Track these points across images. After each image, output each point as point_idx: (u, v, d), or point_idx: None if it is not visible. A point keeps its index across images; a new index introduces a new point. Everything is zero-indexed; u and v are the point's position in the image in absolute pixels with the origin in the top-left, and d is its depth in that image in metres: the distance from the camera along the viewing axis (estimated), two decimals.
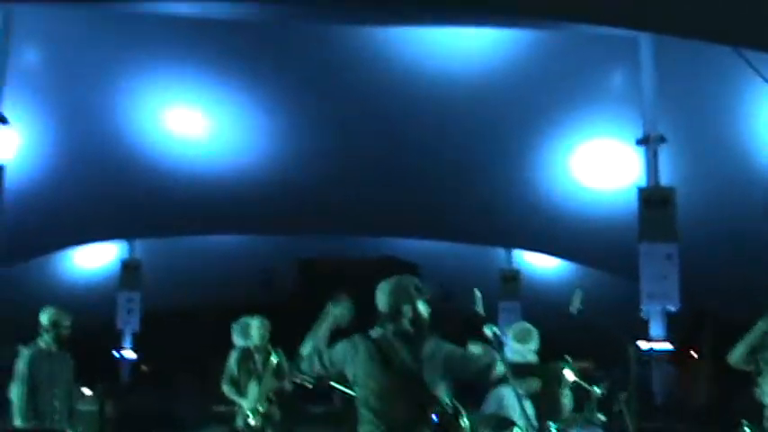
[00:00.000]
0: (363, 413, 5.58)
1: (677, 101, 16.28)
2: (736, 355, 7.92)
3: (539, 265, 23.21)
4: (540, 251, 22.48)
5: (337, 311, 6.00)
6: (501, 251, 23.68)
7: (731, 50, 14.79)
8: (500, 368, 5.77)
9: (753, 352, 7.85)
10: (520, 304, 22.19)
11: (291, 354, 11.42)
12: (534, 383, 8.89)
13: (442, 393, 5.53)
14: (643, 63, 16.12)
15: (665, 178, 16.65)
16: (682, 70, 16.07)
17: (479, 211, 18.87)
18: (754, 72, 15.34)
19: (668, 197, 16.19)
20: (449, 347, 5.72)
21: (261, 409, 10.18)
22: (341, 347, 5.70)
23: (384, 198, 18.70)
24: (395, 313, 5.61)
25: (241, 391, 10.28)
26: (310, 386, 7.06)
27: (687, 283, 16.07)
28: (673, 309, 16.21)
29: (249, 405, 10.18)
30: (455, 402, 5.58)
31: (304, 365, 5.83)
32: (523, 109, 16.78)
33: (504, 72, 16.44)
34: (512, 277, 23.25)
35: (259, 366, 10.34)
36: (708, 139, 16.65)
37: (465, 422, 5.51)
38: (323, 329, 5.88)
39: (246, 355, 10.42)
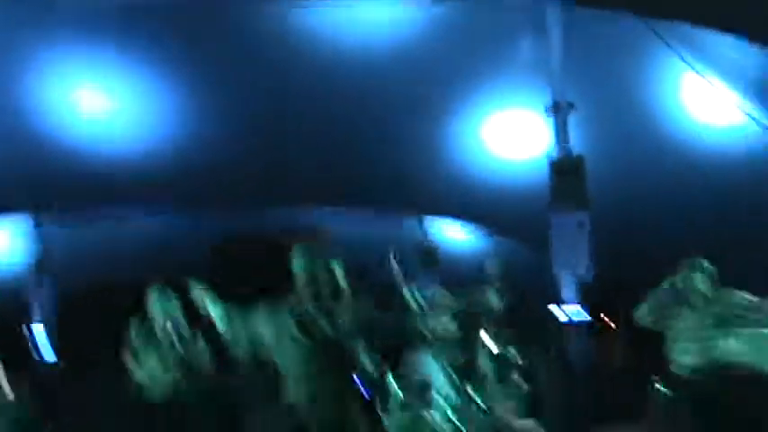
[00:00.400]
0: (289, 384, 5.46)
1: (585, 69, 16.38)
2: (643, 312, 8.01)
3: (452, 234, 23.26)
4: (453, 218, 22.55)
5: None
6: (413, 221, 23.65)
7: (638, 17, 14.96)
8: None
9: (659, 309, 7.91)
10: (434, 273, 22.17)
11: None
12: (457, 353, 8.88)
13: (366, 358, 5.44)
14: (550, 31, 16.18)
15: (575, 147, 16.77)
16: (589, 38, 16.18)
17: (391, 179, 18.82)
18: (660, 39, 15.55)
19: (578, 165, 16.29)
20: (364, 310, 5.60)
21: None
22: (258, 315, 5.56)
23: (296, 169, 18.58)
24: (312, 281, 5.48)
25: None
26: None
27: (600, 252, 16.21)
28: (585, 277, 16.35)
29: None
30: (380, 365, 5.49)
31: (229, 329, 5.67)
32: (434, 80, 16.77)
33: (414, 43, 16.41)
34: (426, 246, 23.22)
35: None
36: (617, 107, 16.81)
37: (392, 385, 5.44)
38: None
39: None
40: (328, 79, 16.49)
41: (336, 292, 5.50)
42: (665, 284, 7.94)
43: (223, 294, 6.05)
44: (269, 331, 5.46)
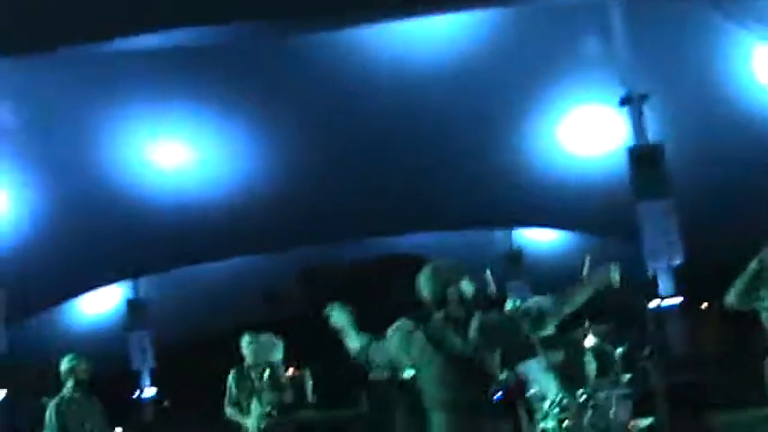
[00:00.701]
0: (428, 400, 5.57)
1: (654, 58, 16.37)
2: (732, 296, 7.93)
3: (540, 240, 23.26)
4: (540, 226, 22.53)
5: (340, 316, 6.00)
6: (501, 232, 23.74)
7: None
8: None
9: (749, 292, 7.84)
10: (527, 282, 22.27)
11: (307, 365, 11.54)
12: (558, 355, 8.98)
13: (499, 370, 5.50)
14: (615, 25, 16.21)
15: (652, 136, 16.78)
16: (653, 26, 16.17)
17: (473, 195, 18.89)
18: (725, 17, 15.49)
19: (658, 154, 16.29)
20: (489, 316, 5.64)
21: (263, 426, 9.94)
22: (394, 341, 5.66)
23: (378, 198, 18.72)
24: (441, 299, 5.57)
25: (243, 412, 10.08)
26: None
27: (688, 237, 16.15)
28: (677, 263, 16.33)
29: (252, 424, 9.95)
30: (517, 375, 5.53)
31: (364, 353, 5.79)
32: (504, 88, 16.86)
33: (480, 54, 16.53)
34: (515, 256, 23.31)
35: (257, 384, 10.11)
36: (689, 92, 16.74)
37: (533, 393, 5.49)
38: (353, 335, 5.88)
39: (242, 374, 10.21)
40: (401, 103, 16.68)
41: (467, 306, 5.61)
42: (753, 266, 7.89)
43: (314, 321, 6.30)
44: (408, 351, 5.59)
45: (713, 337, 20.06)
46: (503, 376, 5.59)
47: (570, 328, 10.98)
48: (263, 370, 10.12)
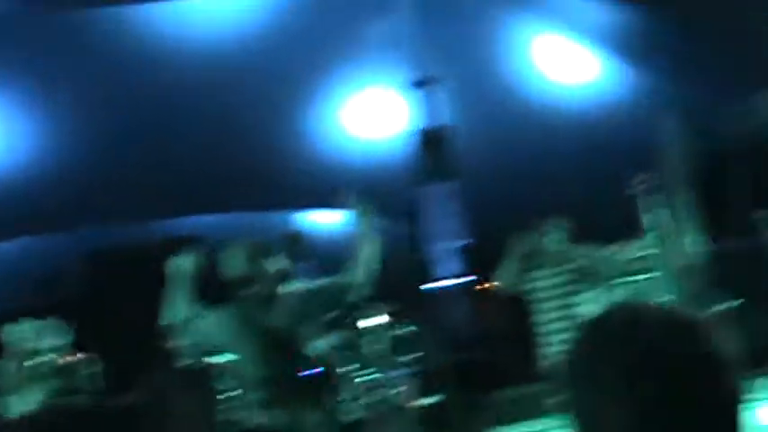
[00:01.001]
0: (243, 380, 5.42)
1: (444, 43, 16.58)
2: (501, 278, 8.09)
3: (324, 222, 23.32)
4: (323, 208, 22.58)
5: (185, 262, 5.77)
6: (284, 214, 23.66)
7: None
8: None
9: (518, 274, 8.02)
10: (308, 264, 22.22)
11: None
12: (341, 335, 9.02)
13: (315, 349, 5.42)
14: (404, 8, 16.30)
15: (438, 120, 17.01)
16: (444, 11, 16.35)
17: (256, 177, 18.72)
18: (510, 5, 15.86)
19: (444, 137, 16.54)
20: (303, 289, 5.54)
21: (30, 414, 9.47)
22: (207, 318, 5.49)
23: (160, 179, 18.30)
24: (252, 276, 5.43)
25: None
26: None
27: (472, 220, 16.47)
28: (460, 244, 16.64)
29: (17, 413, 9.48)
30: (329, 356, 5.47)
31: (181, 337, 5.59)
32: (289, 70, 16.70)
33: (266, 34, 16.29)
34: (297, 238, 23.21)
35: (26, 372, 9.63)
36: (475, 76, 17.01)
37: (343, 372, 5.44)
38: (183, 289, 5.61)
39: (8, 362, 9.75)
40: (185, 83, 16.31)
41: (273, 286, 5.47)
42: (520, 248, 8.06)
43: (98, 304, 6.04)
44: (221, 331, 5.42)
45: (497, 317, 20.56)
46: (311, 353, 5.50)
47: (354, 308, 11.03)
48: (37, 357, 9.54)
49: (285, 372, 5.37)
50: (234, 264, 5.50)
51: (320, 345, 5.94)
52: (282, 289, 5.54)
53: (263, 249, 5.59)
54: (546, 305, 7.96)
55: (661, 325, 1.57)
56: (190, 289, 5.61)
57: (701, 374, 1.53)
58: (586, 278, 7.88)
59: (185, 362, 7.23)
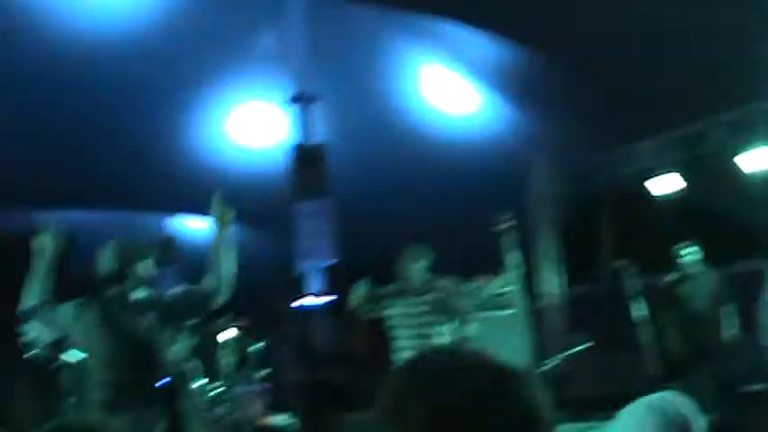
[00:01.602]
0: (92, 380, 5.28)
1: (328, 60, 16.57)
2: (355, 298, 8.10)
3: (194, 227, 23.08)
4: (196, 214, 22.34)
5: (47, 240, 5.63)
6: (155, 217, 23.37)
7: (378, 10, 15.25)
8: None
9: (373, 296, 8.07)
10: (178, 269, 21.99)
11: None
12: (189, 343, 8.89)
13: (171, 356, 5.31)
14: (291, 22, 16.26)
15: (316, 136, 17.01)
16: (331, 29, 16.35)
17: (130, 178, 18.42)
18: (402, 31, 15.94)
19: (319, 154, 16.53)
20: (167, 294, 5.47)
21: None
22: (64, 311, 5.37)
23: (27, 171, 17.85)
24: (120, 275, 5.33)
25: None
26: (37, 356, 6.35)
27: (342, 238, 16.48)
28: (328, 263, 16.64)
29: None
30: (184, 365, 5.36)
31: (33, 324, 5.44)
32: (172, 73, 16.48)
33: (150, 35, 16.03)
34: (168, 242, 22.96)
35: None
36: (358, 98, 17.04)
37: (195, 383, 5.34)
38: (43, 270, 5.47)
39: None
40: (67, 77, 15.96)
41: (142, 286, 5.37)
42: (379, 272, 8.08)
43: None
44: (76, 327, 5.28)
45: (359, 337, 20.61)
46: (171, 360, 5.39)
47: (210, 319, 10.92)
48: None
49: (136, 376, 5.27)
50: (103, 261, 5.40)
51: (175, 353, 5.83)
52: (146, 293, 5.45)
53: (133, 250, 5.51)
54: (402, 333, 7.97)
55: (469, 375, 1.56)
56: (48, 273, 5.49)
57: (517, 429, 1.51)
58: (444, 310, 7.91)
59: (34, 354, 7.01)
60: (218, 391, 8.70)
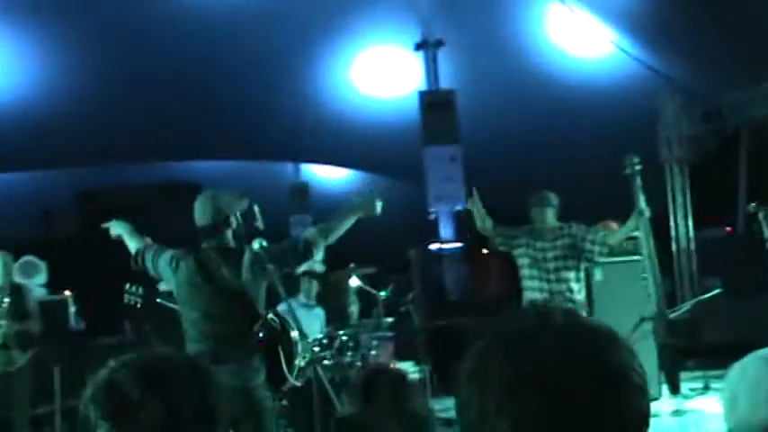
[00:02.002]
0: (189, 331, 5.35)
1: (452, 5, 16.44)
2: (490, 229, 8.14)
3: (327, 176, 23.30)
4: (327, 163, 22.54)
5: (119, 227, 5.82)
6: (288, 165, 23.68)
7: None
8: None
9: (508, 235, 8.11)
10: (310, 216, 22.42)
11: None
12: (314, 290, 9.02)
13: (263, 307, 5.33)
14: None
15: (444, 82, 16.95)
16: None
17: (263, 127, 18.67)
18: None
19: (449, 100, 16.47)
20: (261, 250, 5.46)
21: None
22: (164, 258, 5.47)
23: (162, 122, 18.27)
24: (217, 227, 5.35)
25: None
26: (138, 305, 6.44)
27: (473, 184, 16.42)
28: (460, 209, 16.62)
29: None
30: (281, 315, 5.37)
31: (140, 257, 5.59)
32: (298, 24, 16.56)
33: None
34: (300, 190, 23.37)
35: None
36: (485, 42, 16.85)
37: (294, 334, 5.36)
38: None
39: None
40: (196, 35, 16.21)
41: (239, 237, 5.41)
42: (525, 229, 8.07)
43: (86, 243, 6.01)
44: (170, 269, 5.37)
45: (490, 283, 20.60)
46: (270, 315, 5.39)
47: (337, 268, 11.02)
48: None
49: (236, 328, 5.28)
50: (202, 212, 5.42)
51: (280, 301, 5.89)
52: (249, 244, 5.47)
53: (230, 201, 5.51)
54: (532, 277, 7.97)
55: (566, 336, 1.51)
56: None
57: (599, 395, 1.43)
58: (573, 256, 7.88)
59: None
60: (345, 338, 8.77)
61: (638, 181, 7.90)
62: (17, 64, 16.85)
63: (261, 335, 5.21)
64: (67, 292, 11.83)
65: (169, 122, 18.26)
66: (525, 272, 8.06)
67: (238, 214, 5.49)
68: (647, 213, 7.95)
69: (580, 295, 7.96)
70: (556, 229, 8.07)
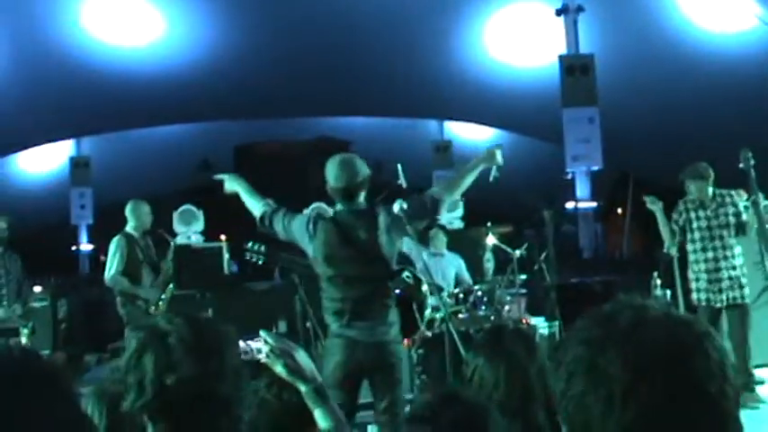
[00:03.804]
0: (327, 290, 5.38)
1: None
2: (668, 245, 8.10)
3: (469, 135, 23.33)
4: (469, 121, 22.56)
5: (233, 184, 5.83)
6: (432, 123, 23.79)
7: None
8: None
9: (674, 234, 8.05)
10: (453, 173, 22.50)
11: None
12: (442, 240, 9.13)
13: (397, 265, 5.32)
14: None
15: (584, 46, 16.83)
16: None
17: (409, 86, 18.80)
18: None
19: (588, 64, 16.35)
20: (391, 207, 5.46)
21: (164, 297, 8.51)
22: (298, 222, 5.46)
23: (315, 79, 18.60)
24: (353, 190, 5.35)
25: (133, 281, 8.43)
26: (260, 263, 6.53)
27: (609, 145, 16.30)
28: (596, 169, 16.52)
29: (151, 295, 8.44)
30: (415, 273, 5.39)
31: (267, 219, 5.53)
32: None
33: None
34: (444, 147, 23.48)
35: (146, 252, 8.66)
36: (623, 7, 16.61)
37: (425, 289, 5.42)
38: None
39: (129, 241, 8.56)
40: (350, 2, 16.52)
41: (371, 199, 5.43)
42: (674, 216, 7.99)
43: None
44: (307, 232, 5.41)
45: (622, 242, 20.41)
46: (405, 273, 5.44)
47: (475, 225, 11.10)
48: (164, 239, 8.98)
49: (370, 289, 5.30)
50: (339, 174, 5.38)
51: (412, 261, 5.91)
52: (389, 204, 5.46)
53: (358, 164, 5.45)
54: (696, 245, 7.90)
55: (668, 329, 1.53)
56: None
57: (708, 385, 1.49)
58: (737, 225, 7.82)
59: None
60: (480, 293, 8.86)
61: (753, 173, 7.84)
62: (193, 28, 17.40)
63: (396, 291, 5.27)
64: (223, 238, 12.22)
65: (321, 81, 18.59)
66: (692, 240, 7.99)
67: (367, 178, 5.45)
68: (762, 202, 7.89)
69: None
70: (715, 197, 8.00)
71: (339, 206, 5.40)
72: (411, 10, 16.72)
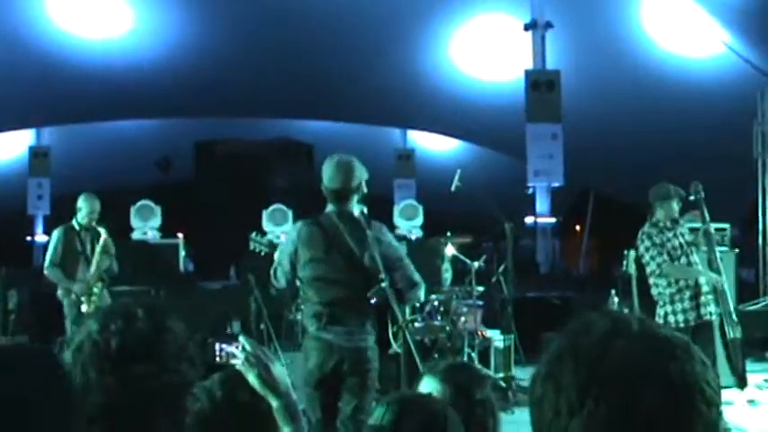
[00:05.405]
0: (307, 293, 5.34)
1: None
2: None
3: (432, 145, 23.35)
4: (433, 131, 22.57)
5: None
6: (395, 131, 23.79)
7: None
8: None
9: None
10: (414, 181, 22.59)
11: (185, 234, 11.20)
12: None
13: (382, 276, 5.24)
14: None
15: (551, 63, 16.86)
16: None
17: (373, 93, 18.73)
18: None
19: (554, 80, 16.39)
20: (389, 241, 5.42)
21: (95, 291, 8.43)
22: (287, 238, 5.48)
23: (280, 81, 18.50)
24: (347, 193, 5.28)
25: (67, 274, 8.43)
26: (263, 254, 6.34)
27: (571, 162, 16.31)
28: (557, 185, 16.54)
29: (79, 289, 8.36)
30: (394, 287, 5.30)
31: (281, 282, 5.51)
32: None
33: None
34: (406, 156, 23.53)
35: (87, 245, 8.52)
36: (591, 26, 16.64)
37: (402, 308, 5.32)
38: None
39: (70, 233, 8.53)
40: (317, 4, 16.41)
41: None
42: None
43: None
44: (294, 240, 5.33)
45: (580, 259, 20.49)
46: (383, 284, 5.33)
47: (434, 235, 11.02)
48: (98, 233, 8.69)
49: (350, 294, 5.24)
50: (336, 175, 5.29)
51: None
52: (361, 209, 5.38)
53: (364, 169, 5.39)
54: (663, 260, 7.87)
55: (641, 344, 1.46)
56: None
57: (670, 405, 1.39)
58: (694, 245, 7.84)
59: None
60: (437, 303, 8.81)
61: (704, 205, 7.92)
62: (162, 23, 17.25)
63: (373, 301, 5.21)
64: (180, 236, 12.07)
65: (285, 82, 18.48)
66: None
67: (364, 184, 5.38)
68: (713, 232, 7.99)
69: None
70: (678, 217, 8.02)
71: (330, 207, 5.38)
72: (378, 16, 16.65)
